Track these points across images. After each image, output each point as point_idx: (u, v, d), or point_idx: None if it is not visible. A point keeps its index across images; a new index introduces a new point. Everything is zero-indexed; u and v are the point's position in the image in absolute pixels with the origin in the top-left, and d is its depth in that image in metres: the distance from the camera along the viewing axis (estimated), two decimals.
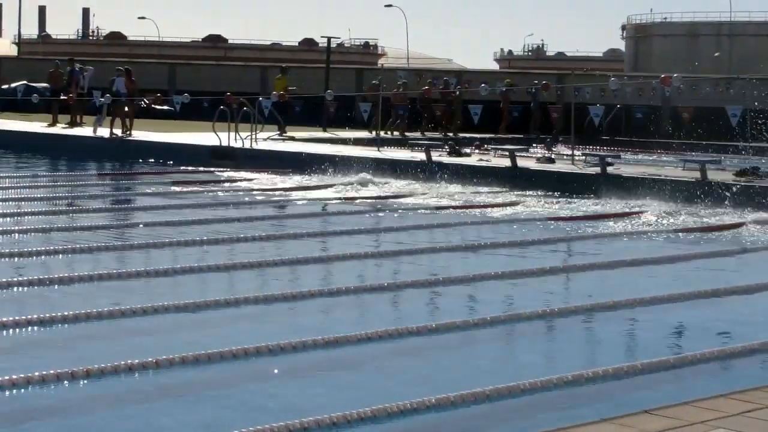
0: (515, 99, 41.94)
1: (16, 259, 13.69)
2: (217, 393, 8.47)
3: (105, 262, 13.85)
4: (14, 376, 8.30)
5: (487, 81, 40.78)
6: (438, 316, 11.20)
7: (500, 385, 8.26)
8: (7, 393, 8.13)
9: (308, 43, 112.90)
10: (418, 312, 11.55)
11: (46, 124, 36.31)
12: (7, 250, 14.04)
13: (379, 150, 29.41)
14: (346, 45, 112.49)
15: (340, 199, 21.55)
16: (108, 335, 10.16)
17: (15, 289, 11.89)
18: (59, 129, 35.12)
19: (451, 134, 37.97)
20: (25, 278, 12.25)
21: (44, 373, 8.39)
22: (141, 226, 17.25)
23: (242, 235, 15.97)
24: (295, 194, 22.27)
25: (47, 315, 10.31)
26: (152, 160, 28.84)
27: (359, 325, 10.53)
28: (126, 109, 33.51)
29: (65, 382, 8.36)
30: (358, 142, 32.79)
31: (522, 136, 39.00)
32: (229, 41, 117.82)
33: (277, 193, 22.58)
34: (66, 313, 10.38)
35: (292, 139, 33.09)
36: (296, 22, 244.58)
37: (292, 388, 8.61)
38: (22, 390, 8.19)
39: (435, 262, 14.71)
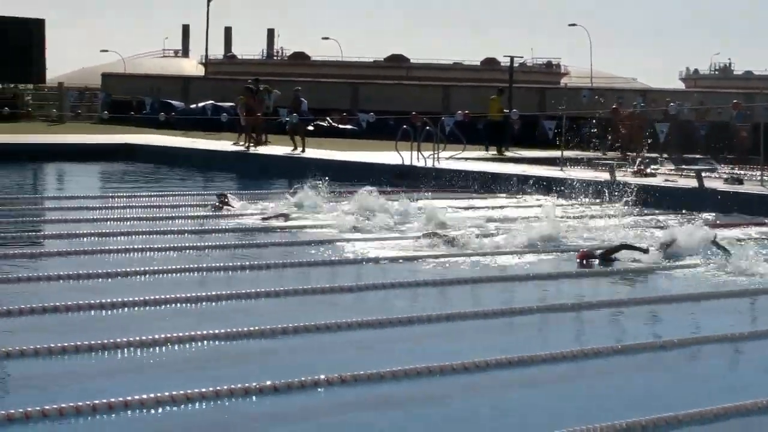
0: (706, 118, 41.04)
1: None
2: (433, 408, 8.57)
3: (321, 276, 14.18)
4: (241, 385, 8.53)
5: (674, 100, 39.97)
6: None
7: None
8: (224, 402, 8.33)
9: (490, 63, 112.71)
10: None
11: (231, 142, 36.91)
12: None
13: (562, 169, 29.01)
14: (528, 64, 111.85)
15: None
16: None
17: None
18: (244, 148, 35.64)
19: (634, 154, 37.28)
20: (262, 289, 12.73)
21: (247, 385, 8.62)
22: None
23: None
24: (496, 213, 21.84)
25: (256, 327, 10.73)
26: (332, 179, 28.93)
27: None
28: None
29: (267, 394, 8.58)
30: (542, 161, 32.45)
31: (708, 156, 37.99)
32: (411, 61, 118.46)
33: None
34: (269, 327, 10.77)
35: (502, 158, 33.18)
36: (477, 42, 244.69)
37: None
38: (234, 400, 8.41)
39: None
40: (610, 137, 39.08)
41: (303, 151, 33.27)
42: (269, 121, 37.91)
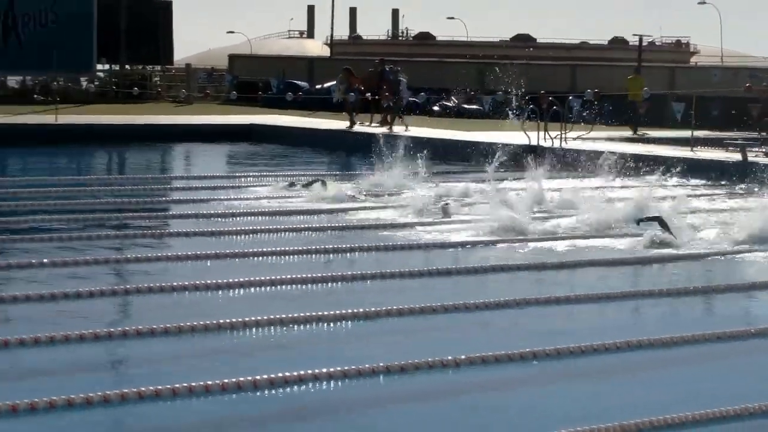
0: None
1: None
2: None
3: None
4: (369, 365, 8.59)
5: None
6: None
7: None
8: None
9: (617, 42, 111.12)
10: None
11: (358, 123, 36.90)
12: None
13: (692, 149, 28.42)
14: (657, 43, 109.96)
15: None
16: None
17: None
18: (368, 128, 35.57)
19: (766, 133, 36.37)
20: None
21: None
22: None
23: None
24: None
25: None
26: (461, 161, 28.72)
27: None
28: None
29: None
30: (670, 141, 31.84)
31: None
32: (538, 40, 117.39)
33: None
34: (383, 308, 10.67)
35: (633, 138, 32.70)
36: (604, 21, 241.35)
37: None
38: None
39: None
40: (745, 117, 38.20)
41: (390, 129, 33.71)
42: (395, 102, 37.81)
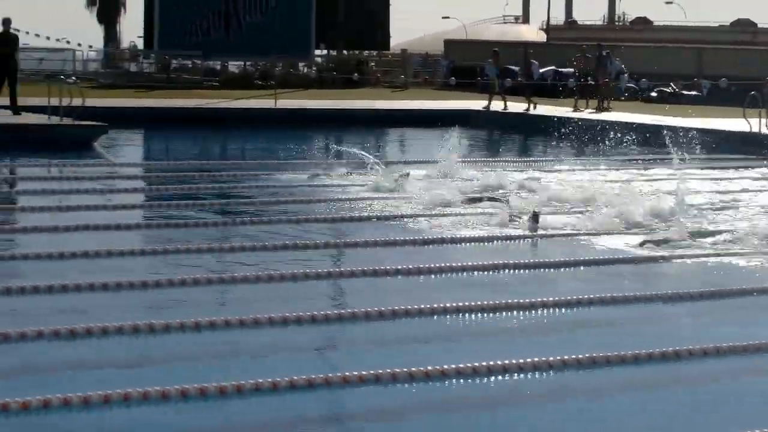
0: None
1: None
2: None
3: None
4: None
5: None
6: None
7: None
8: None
9: None
10: None
11: (571, 109, 36.61)
12: None
13: None
14: None
15: None
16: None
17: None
18: (585, 114, 35.24)
19: None
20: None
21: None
22: None
23: None
24: None
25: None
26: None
27: None
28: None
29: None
30: None
31: None
32: (759, 25, 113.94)
33: None
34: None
35: None
36: None
37: None
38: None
39: None
40: None
41: (527, 109, 35.14)
42: (610, 87, 37.39)
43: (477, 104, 37.42)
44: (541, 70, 49.26)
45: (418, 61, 61.67)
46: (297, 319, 9.65)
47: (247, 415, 7.51)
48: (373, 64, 58.39)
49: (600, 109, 36.20)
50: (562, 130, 30.56)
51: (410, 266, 11.88)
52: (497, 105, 36.71)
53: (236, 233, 14.21)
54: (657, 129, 27.12)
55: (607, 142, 24.59)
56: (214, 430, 7.31)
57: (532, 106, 36.41)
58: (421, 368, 8.16)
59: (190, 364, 8.69)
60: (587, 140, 27.86)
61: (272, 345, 9.21)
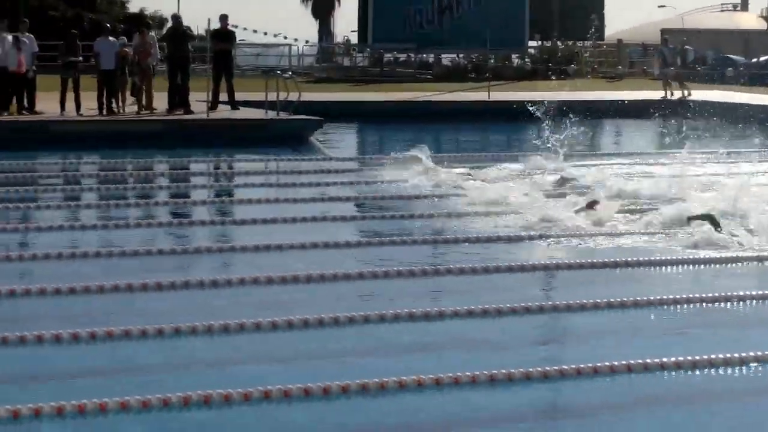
0: None
1: None
2: None
3: None
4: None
5: None
6: None
7: None
8: None
9: None
10: None
11: None
12: None
13: None
14: None
15: None
16: None
17: None
18: None
19: None
20: None
21: None
22: None
23: None
24: None
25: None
26: None
27: None
28: None
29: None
30: None
31: None
32: None
33: None
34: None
35: None
36: None
37: None
38: None
39: None
40: None
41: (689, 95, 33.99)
42: None
43: (697, 94, 36.31)
44: (762, 58, 47.79)
45: (638, 50, 60.46)
46: None
47: None
48: (587, 54, 57.57)
49: None
50: None
51: None
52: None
53: (449, 227, 14.08)
54: None
55: None
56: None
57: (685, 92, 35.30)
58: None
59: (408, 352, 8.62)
60: None
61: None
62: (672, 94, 35.36)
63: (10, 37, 24.96)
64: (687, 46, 39.84)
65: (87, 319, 9.46)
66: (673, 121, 29.35)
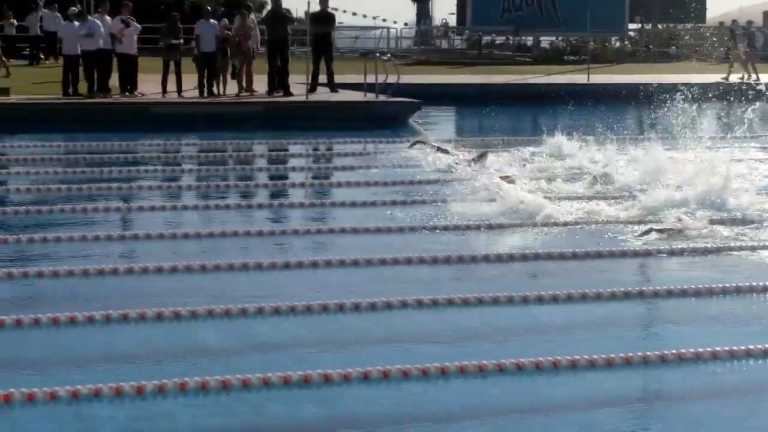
0: None
1: None
2: None
3: None
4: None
5: None
6: None
7: None
8: None
9: None
10: None
11: None
12: None
13: None
14: None
15: None
16: None
17: None
18: None
19: None
20: None
21: None
22: None
23: None
24: None
25: None
26: None
27: None
28: None
29: None
30: None
31: None
32: None
33: None
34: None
35: None
36: None
37: None
38: None
39: None
40: None
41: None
42: None
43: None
44: None
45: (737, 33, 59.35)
46: None
47: None
48: (688, 37, 56.74)
49: None
50: None
51: None
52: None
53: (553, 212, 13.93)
54: None
55: None
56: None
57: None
58: None
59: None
60: None
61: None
62: (749, 77, 35.57)
63: (115, 20, 25.34)
64: (753, 28, 39.48)
65: (192, 298, 9.60)
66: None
